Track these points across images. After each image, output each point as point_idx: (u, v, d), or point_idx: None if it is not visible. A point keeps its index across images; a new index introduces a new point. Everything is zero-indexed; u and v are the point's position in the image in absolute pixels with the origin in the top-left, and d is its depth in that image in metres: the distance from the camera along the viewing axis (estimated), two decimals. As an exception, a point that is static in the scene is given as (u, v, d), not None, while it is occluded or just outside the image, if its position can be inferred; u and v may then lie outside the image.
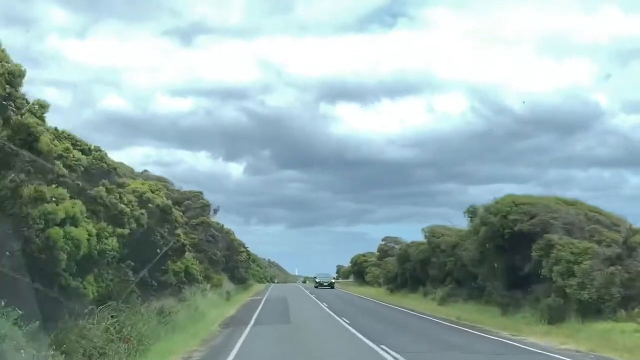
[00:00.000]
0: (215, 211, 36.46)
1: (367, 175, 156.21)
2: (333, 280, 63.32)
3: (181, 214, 31.48)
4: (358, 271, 58.15)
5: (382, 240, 50.52)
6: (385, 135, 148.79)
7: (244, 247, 58.77)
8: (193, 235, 32.32)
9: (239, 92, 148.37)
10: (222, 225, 45.38)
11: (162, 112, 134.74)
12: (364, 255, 61.31)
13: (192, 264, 27.64)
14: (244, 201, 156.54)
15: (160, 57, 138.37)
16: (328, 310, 27.05)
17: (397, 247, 45.36)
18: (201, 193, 36.09)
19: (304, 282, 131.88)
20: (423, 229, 32.10)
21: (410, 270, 36.12)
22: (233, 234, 50.37)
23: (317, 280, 64.40)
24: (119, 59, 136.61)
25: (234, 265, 49.66)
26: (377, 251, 51.83)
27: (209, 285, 31.54)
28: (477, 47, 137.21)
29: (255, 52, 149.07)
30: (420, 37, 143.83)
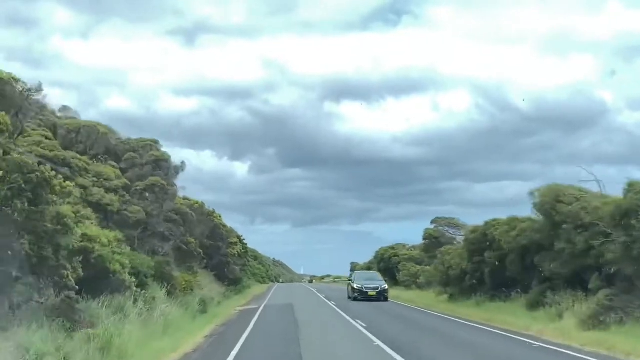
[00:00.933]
0: (178, 171, 22.72)
1: (372, 173, 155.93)
2: (385, 286, 31.23)
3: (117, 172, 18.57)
4: (386, 269, 44.60)
5: (432, 222, 36.54)
6: (390, 134, 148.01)
7: (238, 237, 45.21)
8: (137, 207, 19.04)
9: (243, 91, 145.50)
10: (202, 204, 31.88)
11: (166, 111, 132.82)
12: (392, 248, 47.61)
13: (115, 251, 14.32)
14: (249, 200, 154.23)
15: (164, 57, 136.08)
16: (377, 341, 13.50)
17: (456, 232, 31.81)
18: (156, 142, 22.52)
19: (310, 281, 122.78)
20: (531, 191, 18.40)
21: (492, 265, 22.54)
22: (219, 217, 36.82)
23: (355, 285, 31.39)
24: (122, 59, 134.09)
25: (223, 260, 36.24)
26: (424, 239, 38.04)
27: (163, 292, 18.41)
28: (481, 45, 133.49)
29: (259, 51, 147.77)
30: (424, 35, 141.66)
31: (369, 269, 50.03)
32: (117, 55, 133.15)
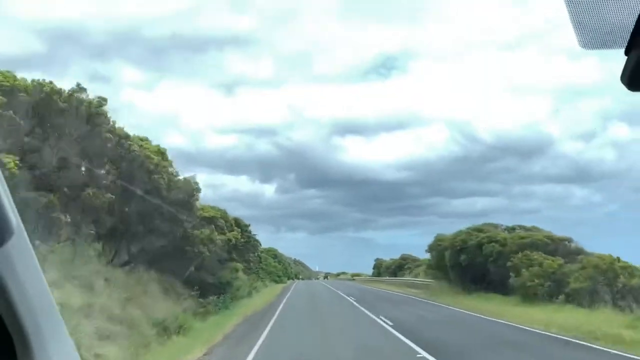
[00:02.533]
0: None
1: (370, 192, 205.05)
2: None
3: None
4: (438, 265, 37.78)
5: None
6: (384, 161, 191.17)
7: (236, 221, 33.60)
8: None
9: (270, 129, 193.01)
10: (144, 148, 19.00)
11: (211, 146, 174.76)
12: (479, 230, 32.86)
13: None
14: (275, 214, 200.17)
15: (210, 104, 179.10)
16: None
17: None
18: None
19: (326, 277, 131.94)
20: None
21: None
22: (194, 183, 22.19)
23: None
24: (178, 106, 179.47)
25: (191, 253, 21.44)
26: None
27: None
28: (453, 90, 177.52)
29: (282, 98, 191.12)
30: (408, 83, 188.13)
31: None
32: (175, 103, 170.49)
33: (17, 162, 10.72)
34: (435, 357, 11.85)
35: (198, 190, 22.27)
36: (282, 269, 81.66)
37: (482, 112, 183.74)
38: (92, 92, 16.43)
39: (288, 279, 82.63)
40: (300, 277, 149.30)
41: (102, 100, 15.99)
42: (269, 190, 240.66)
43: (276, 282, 67.00)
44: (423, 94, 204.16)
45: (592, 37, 1.57)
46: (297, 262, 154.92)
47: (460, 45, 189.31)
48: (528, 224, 34.35)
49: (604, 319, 17.09)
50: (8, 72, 13.56)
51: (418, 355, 12.32)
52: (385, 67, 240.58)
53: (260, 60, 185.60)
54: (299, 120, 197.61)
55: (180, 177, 21.34)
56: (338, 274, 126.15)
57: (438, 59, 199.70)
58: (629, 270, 21.76)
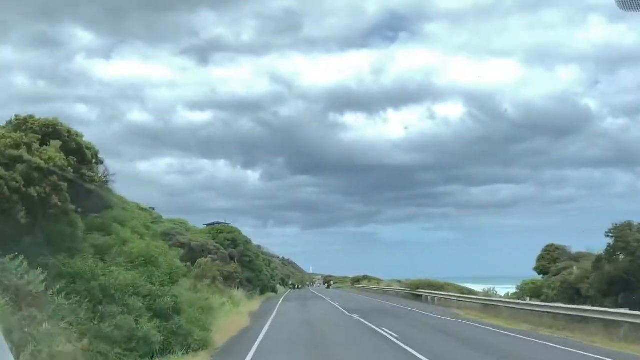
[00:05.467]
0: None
1: (375, 179, 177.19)
2: None
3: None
4: None
5: None
6: (390, 142, 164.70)
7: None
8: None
9: (253, 104, 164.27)
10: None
11: (182, 124, 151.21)
12: None
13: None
14: (261, 205, 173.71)
15: (179, 74, 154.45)
16: None
17: None
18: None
19: (328, 287, 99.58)
20: None
21: None
22: None
23: None
24: (141, 76, 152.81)
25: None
26: None
27: None
28: (473, 57, 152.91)
29: (267, 66, 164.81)
30: (420, 49, 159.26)
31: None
32: (136, 73, 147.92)
33: None
34: None
35: None
36: (256, 276, 49.80)
37: (506, 83, 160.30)
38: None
39: (261, 293, 50.25)
40: (291, 283, 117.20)
41: None
42: (252, 176, 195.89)
43: (235, 307, 34.09)
44: (437, 62, 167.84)
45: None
46: (286, 263, 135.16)
47: (482, 3, 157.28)
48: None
49: None
50: None
51: None
52: (391, 28, 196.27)
53: (240, 22, 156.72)
54: (287, 94, 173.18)
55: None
56: (358, 280, 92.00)
57: (455, 19, 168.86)
58: None
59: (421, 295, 40.28)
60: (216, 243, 46.30)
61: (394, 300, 42.68)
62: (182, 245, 39.77)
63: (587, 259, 25.90)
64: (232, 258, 44.70)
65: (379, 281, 76.32)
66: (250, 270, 48.85)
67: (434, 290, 39.84)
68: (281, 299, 46.51)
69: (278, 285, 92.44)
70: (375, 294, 57.06)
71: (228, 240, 47.72)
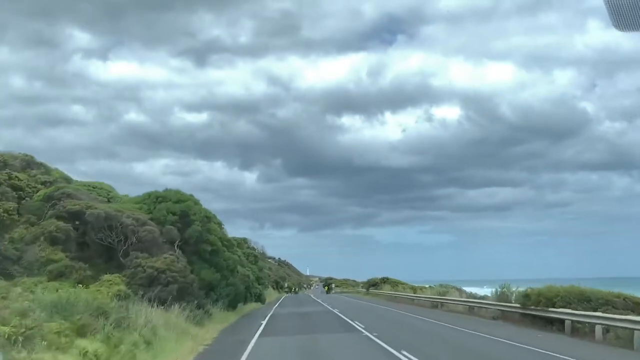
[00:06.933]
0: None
1: (372, 180, 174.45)
2: None
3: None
4: None
5: None
6: (388, 144, 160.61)
7: None
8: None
9: (250, 106, 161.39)
10: None
11: (180, 125, 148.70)
12: None
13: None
14: (258, 207, 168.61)
15: (177, 75, 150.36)
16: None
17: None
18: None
19: (328, 289, 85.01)
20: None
21: None
22: None
23: None
24: (138, 77, 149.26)
25: None
26: None
27: None
28: (470, 59, 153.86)
29: (265, 68, 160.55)
30: (417, 51, 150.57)
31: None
32: (133, 74, 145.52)
33: None
34: None
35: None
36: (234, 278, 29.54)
37: (504, 86, 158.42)
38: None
39: (230, 305, 29.76)
40: (287, 287, 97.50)
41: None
42: (249, 178, 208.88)
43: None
44: (434, 64, 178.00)
45: (626, 18, 1.85)
46: (282, 264, 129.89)
47: (480, 6, 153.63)
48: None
49: None
50: None
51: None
52: (389, 31, 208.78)
53: (237, 23, 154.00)
54: (285, 95, 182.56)
55: None
56: (374, 283, 71.92)
57: (453, 22, 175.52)
58: None
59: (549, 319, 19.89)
60: (151, 219, 26.49)
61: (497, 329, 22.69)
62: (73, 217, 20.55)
63: None
64: (172, 243, 24.65)
65: (404, 285, 56.09)
66: (213, 267, 28.73)
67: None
68: (265, 319, 26.52)
69: (270, 290, 72.56)
70: (416, 307, 36.98)
71: (173, 213, 27.73)
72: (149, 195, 30.10)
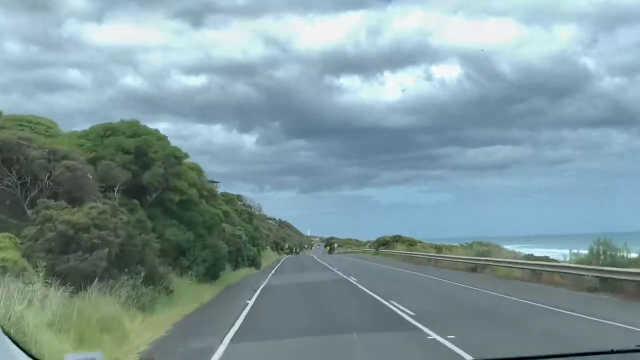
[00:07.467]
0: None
1: (371, 141, 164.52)
2: None
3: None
4: None
5: None
6: (387, 104, 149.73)
7: None
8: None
9: (248, 68, 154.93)
10: None
11: (177, 89, 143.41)
12: None
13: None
14: (258, 170, 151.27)
15: (173, 37, 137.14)
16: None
17: None
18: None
19: (330, 251, 79.20)
20: None
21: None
22: None
23: None
24: (134, 40, 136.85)
25: None
26: None
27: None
28: (469, 15, 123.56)
29: (262, 28, 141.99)
30: (416, 8, 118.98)
31: None
32: (129, 37, 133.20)
33: None
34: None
35: None
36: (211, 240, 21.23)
37: (503, 43, 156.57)
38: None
39: (207, 274, 21.55)
40: (287, 247, 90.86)
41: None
42: (249, 141, 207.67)
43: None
44: (434, 22, 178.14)
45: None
46: (283, 224, 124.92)
47: None
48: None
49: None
50: None
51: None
52: None
53: None
54: (282, 56, 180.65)
55: None
56: (385, 242, 64.70)
57: None
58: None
59: None
60: (95, 159, 18.63)
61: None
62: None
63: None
64: (113, 189, 16.78)
65: (422, 244, 48.61)
66: (184, 224, 20.88)
67: None
68: (254, 296, 18.79)
69: (268, 252, 65.33)
70: (444, 270, 29.46)
71: (125, 151, 19.76)
72: (95, 128, 22.07)
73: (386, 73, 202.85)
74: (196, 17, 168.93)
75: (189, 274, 20.35)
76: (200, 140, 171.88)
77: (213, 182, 53.33)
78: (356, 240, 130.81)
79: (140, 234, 16.58)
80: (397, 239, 56.41)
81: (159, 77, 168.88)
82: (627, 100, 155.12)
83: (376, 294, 16.60)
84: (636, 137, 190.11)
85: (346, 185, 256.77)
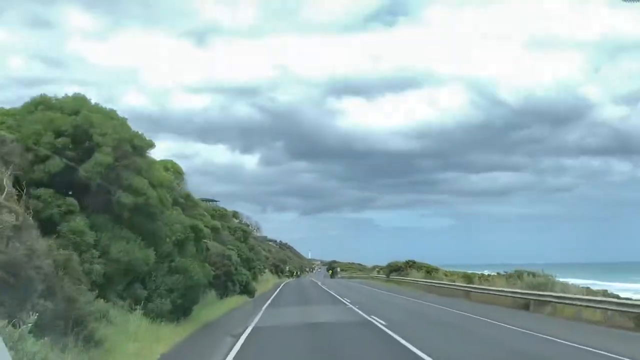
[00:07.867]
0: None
1: (373, 165, 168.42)
2: None
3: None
4: None
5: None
6: (389, 128, 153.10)
7: None
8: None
9: (251, 89, 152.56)
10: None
11: (179, 108, 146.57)
12: None
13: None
14: (260, 191, 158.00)
15: (177, 57, 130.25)
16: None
17: None
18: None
19: (332, 275, 74.51)
20: None
21: None
22: None
23: None
24: (137, 59, 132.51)
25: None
26: None
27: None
28: (473, 43, 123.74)
29: (265, 50, 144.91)
30: (420, 34, 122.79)
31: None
32: (132, 56, 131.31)
33: None
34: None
35: None
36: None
37: (507, 70, 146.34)
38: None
39: (224, 292, 16.02)
40: (288, 270, 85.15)
41: None
42: (250, 161, 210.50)
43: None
44: (437, 47, 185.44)
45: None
46: (283, 247, 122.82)
47: None
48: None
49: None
50: None
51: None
52: (391, 13, 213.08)
53: (239, 4, 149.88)
54: (285, 78, 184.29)
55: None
56: (397, 267, 58.30)
57: (455, 4, 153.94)
58: None
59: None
60: (19, 140, 12.73)
61: None
62: None
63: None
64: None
65: (444, 272, 42.20)
66: (142, 237, 14.71)
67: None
68: (237, 344, 12.48)
69: (267, 275, 58.83)
70: (482, 304, 23.13)
71: (58, 132, 13.83)
72: (26, 104, 16.04)
73: (388, 96, 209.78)
74: (200, 38, 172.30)
75: (149, 309, 14.17)
76: (200, 160, 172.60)
77: (210, 200, 47.47)
78: (359, 264, 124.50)
79: (66, 250, 10.54)
80: (411, 265, 49.98)
81: (161, 96, 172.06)
82: (628, 129, 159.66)
83: (429, 356, 10.30)
84: (639, 166, 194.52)
85: (347, 208, 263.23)
